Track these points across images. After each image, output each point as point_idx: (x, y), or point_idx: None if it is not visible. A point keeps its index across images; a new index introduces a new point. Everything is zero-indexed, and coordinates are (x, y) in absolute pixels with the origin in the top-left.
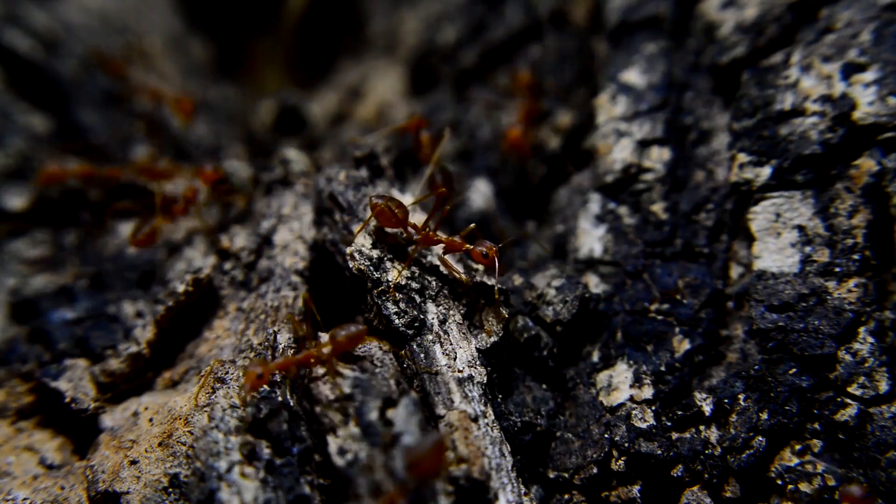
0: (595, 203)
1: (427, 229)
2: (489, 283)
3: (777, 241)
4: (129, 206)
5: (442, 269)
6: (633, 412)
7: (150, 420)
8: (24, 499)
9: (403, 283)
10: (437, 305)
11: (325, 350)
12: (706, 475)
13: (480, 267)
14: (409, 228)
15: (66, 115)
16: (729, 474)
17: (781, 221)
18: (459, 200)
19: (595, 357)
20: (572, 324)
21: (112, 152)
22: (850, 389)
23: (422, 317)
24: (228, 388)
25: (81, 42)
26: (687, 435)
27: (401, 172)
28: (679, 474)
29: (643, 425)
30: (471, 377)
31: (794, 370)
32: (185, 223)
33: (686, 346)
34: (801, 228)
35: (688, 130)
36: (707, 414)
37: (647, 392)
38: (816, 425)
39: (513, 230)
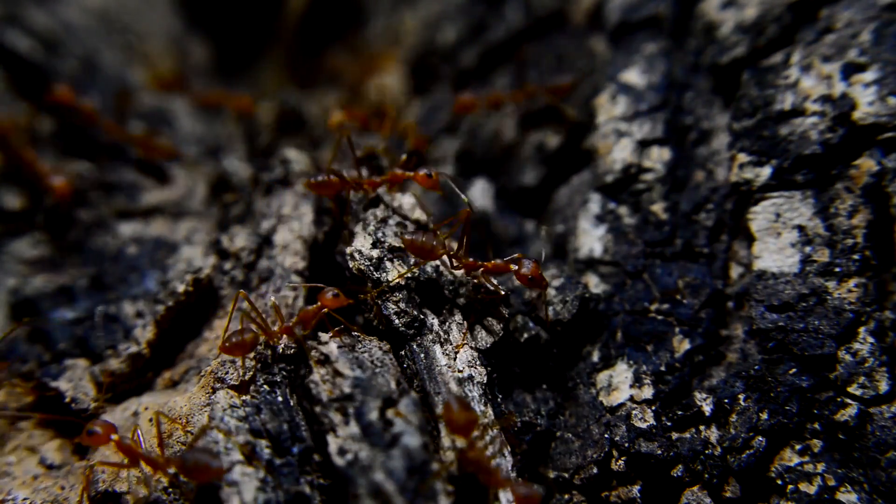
0: (595, 203)
1: (461, 256)
2: (490, 286)
3: (777, 241)
4: (128, 207)
5: (486, 285)
6: (633, 412)
7: (151, 420)
8: (24, 499)
9: (403, 283)
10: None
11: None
12: (706, 475)
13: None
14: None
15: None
16: (729, 474)
17: (781, 221)
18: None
19: (595, 357)
20: (572, 324)
21: (112, 152)
22: (850, 389)
23: (422, 317)
24: (228, 387)
25: (81, 42)
26: (687, 435)
27: None
28: (679, 474)
29: (643, 425)
30: (471, 377)
31: (794, 370)
32: (186, 223)
33: (686, 346)
34: (801, 228)
35: (688, 130)
36: (707, 414)
37: (647, 392)
38: (816, 425)
39: (512, 230)
